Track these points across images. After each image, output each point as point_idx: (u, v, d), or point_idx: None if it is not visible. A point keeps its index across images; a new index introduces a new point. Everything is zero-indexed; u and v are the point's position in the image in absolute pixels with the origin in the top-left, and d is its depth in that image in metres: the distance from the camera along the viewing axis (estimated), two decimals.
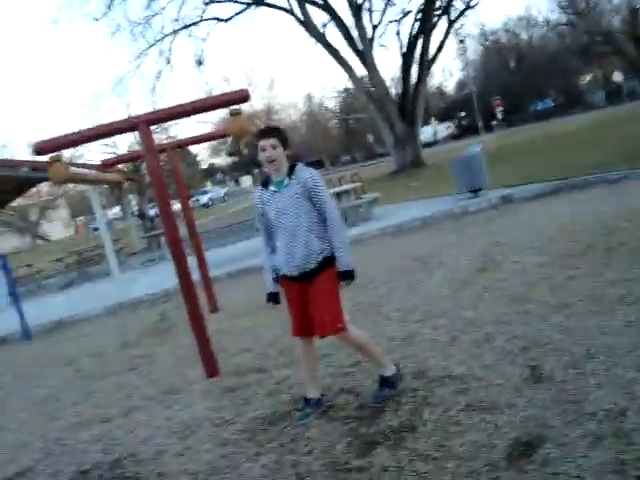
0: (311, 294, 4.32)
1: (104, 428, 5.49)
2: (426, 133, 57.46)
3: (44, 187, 61.66)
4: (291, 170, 4.35)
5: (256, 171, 69.82)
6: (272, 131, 4.36)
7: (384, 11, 31.36)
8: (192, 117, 62.94)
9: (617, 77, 49.75)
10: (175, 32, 30.35)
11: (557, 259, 7.24)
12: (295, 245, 4.29)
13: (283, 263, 4.41)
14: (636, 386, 3.77)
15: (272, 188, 4.40)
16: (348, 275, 4.24)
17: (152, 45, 30.29)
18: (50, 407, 6.69)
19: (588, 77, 67.39)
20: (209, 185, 73.85)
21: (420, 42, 30.38)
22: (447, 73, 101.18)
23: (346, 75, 31.30)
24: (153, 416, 5.46)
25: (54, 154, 6.33)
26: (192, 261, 8.88)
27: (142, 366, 7.37)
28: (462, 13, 31.76)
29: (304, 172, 4.33)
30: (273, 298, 4.61)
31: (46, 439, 5.64)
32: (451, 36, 32.71)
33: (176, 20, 30.23)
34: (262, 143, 4.27)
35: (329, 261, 4.30)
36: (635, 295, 5.35)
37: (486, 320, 5.72)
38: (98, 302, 13.30)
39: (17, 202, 57.95)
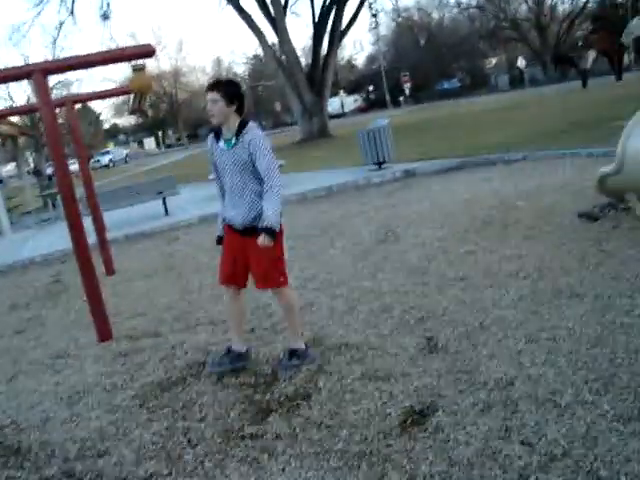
0: (254, 249, 4.18)
1: None
2: (334, 105, 57.75)
3: None
4: (240, 129, 4.18)
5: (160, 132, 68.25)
6: (214, 85, 4.18)
7: None
8: (94, 71, 60.22)
9: (521, 63, 51.34)
10: None
11: (456, 234, 7.40)
12: (240, 204, 4.23)
13: (228, 215, 4.35)
14: (525, 357, 3.90)
15: (221, 144, 4.26)
16: (269, 231, 4.03)
17: None
18: None
19: (494, 60, 69.34)
20: (111, 146, 71.50)
21: (333, 13, 30.25)
22: (358, 46, 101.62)
23: (257, 41, 30.86)
24: (40, 381, 5.21)
25: None
26: (89, 222, 8.57)
27: (31, 329, 7.03)
28: None
29: (249, 134, 4.15)
30: (221, 241, 4.52)
31: None
32: (364, 9, 32.67)
33: None
34: (206, 96, 4.14)
35: None
36: (527, 270, 5.54)
37: (384, 290, 5.78)
38: None
39: None
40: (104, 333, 5.95)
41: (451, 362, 4.03)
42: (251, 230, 4.19)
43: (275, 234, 4.08)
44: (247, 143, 4.13)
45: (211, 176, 4.91)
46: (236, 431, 3.68)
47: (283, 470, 3.21)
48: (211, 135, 4.39)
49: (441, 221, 8.26)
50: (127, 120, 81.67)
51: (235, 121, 4.18)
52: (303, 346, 4.51)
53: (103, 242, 9.24)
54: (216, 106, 4.10)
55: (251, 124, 4.25)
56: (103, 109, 72.65)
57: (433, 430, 3.29)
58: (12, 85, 55.66)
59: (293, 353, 4.45)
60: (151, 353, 5.31)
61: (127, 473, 3.47)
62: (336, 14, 30.14)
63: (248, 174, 4.18)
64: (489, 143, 14.67)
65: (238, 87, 4.28)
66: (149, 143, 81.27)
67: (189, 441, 3.68)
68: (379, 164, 14.04)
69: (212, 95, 4.10)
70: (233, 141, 4.20)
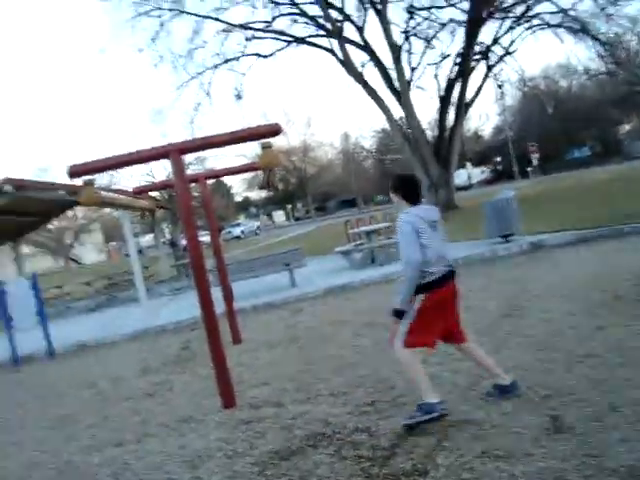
0: None
1: (116, 452, 5.47)
2: (461, 177, 57.45)
3: (80, 212, 62.86)
4: None
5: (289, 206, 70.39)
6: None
7: (423, 53, 31.58)
8: (227, 149, 63.18)
9: None
10: (216, 66, 30.85)
11: (586, 308, 7.11)
12: None
13: None
14: None
15: None
16: (395, 312, 4.66)
17: (193, 78, 30.71)
18: (66, 428, 6.70)
19: (627, 127, 66.89)
20: (242, 218, 74.48)
21: (458, 85, 30.51)
22: (484, 117, 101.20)
23: (383, 115, 31.48)
24: (166, 443, 5.43)
25: (87, 178, 6.45)
26: (218, 292, 8.92)
27: (160, 393, 7.36)
28: (501, 58, 31.84)
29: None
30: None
31: (59, 460, 5.65)
32: (489, 80, 32.66)
33: (217, 54, 30.75)
34: None
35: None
36: None
37: (508, 366, 5.59)
38: (123, 328, 13.38)
39: (53, 224, 59.33)
40: (228, 400, 6.13)
41: (577, 445, 3.84)
42: None
43: (396, 312, 4.65)
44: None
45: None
46: None
47: None
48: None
49: (570, 295, 7.96)
50: (257, 194, 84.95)
51: (405, 207, 4.78)
52: (431, 400, 4.55)
53: (231, 311, 9.57)
54: (392, 196, 4.89)
55: (410, 209, 4.74)
56: (235, 183, 75.85)
57: None
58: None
59: (420, 406, 4.61)
60: (272, 422, 5.40)
61: None
62: (461, 86, 30.34)
63: None
64: (620, 213, 14.07)
65: (398, 179, 4.92)
66: (278, 216, 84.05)
67: None
68: (505, 236, 13.79)
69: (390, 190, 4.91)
70: None
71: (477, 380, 5.40)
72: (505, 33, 30.37)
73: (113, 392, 7.95)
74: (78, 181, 7.07)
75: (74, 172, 6.33)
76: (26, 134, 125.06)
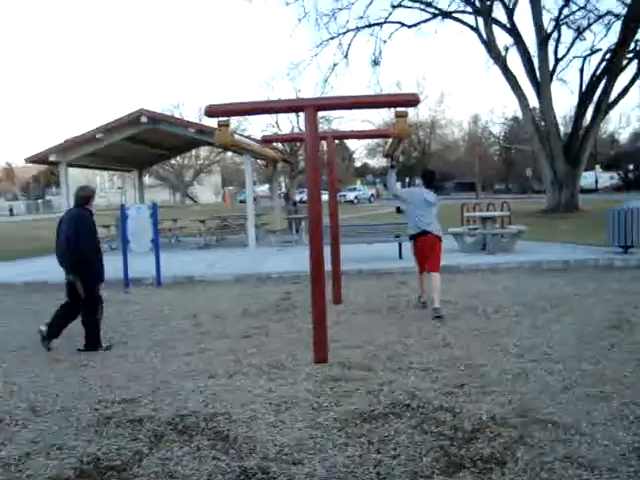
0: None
1: (209, 383, 5.77)
2: (587, 179, 54.96)
3: (203, 152, 64.85)
4: None
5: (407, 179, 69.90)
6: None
7: (572, 44, 30.31)
8: (358, 112, 63.02)
9: None
10: (358, 29, 30.78)
11: None
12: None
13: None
14: None
15: None
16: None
17: (333, 37, 30.83)
18: (165, 352, 7.10)
19: None
20: (358, 183, 74.54)
21: (602, 83, 29.08)
22: (624, 121, 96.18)
23: (517, 103, 30.56)
24: (255, 384, 5.67)
25: (223, 119, 6.67)
26: (326, 251, 9.10)
27: (256, 336, 7.64)
28: None
29: None
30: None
31: (155, 378, 6.02)
32: (638, 82, 30.87)
33: (361, 17, 30.66)
34: None
35: None
36: None
37: (607, 378, 5.47)
38: (230, 269, 13.88)
39: (176, 160, 61.59)
40: (321, 355, 6.30)
41: None
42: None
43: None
44: None
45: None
46: (425, 476, 3.73)
47: None
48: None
49: None
50: (378, 162, 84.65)
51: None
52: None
53: (336, 272, 9.74)
54: None
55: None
56: (357, 148, 75.68)
57: None
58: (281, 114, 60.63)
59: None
60: (360, 384, 5.52)
61: None
62: (606, 85, 28.90)
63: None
64: None
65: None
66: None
67: (378, 474, 3.80)
68: (625, 247, 13.24)
69: None
70: None
71: (571, 384, 5.32)
72: None
73: (212, 327, 8.32)
74: (212, 121, 7.34)
75: (211, 112, 6.57)
76: (162, 70, 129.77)
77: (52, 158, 19.02)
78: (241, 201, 53.56)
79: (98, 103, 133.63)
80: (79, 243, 7.07)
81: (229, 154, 59.78)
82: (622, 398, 4.94)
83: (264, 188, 70.26)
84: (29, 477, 3.98)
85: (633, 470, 3.74)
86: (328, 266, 9.12)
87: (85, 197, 7.45)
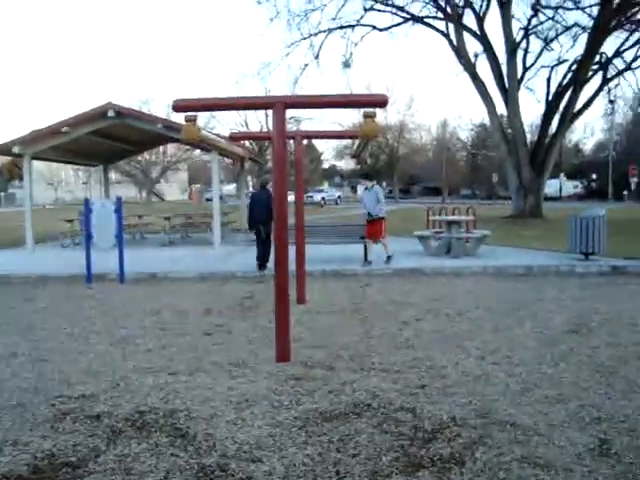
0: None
1: (169, 379, 5.73)
2: (552, 187, 55.76)
3: (170, 149, 64.41)
4: None
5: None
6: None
7: (539, 54, 30.72)
8: (326, 114, 62.99)
9: None
10: (330, 30, 30.79)
11: None
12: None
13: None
14: None
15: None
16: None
17: (305, 38, 30.81)
18: (127, 347, 7.03)
19: None
20: (326, 185, 74.58)
21: (568, 93, 29.53)
22: (588, 131, 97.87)
23: (485, 110, 30.89)
24: (216, 382, 5.64)
25: (190, 114, 6.61)
26: (291, 251, 9.08)
27: (218, 334, 7.59)
28: (620, 73, 30.53)
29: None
30: None
31: (115, 374, 5.95)
32: (602, 94, 31.40)
33: (333, 19, 30.69)
34: None
35: None
36: None
37: (565, 381, 5.55)
38: (194, 266, 13.77)
39: (143, 157, 61.01)
40: (283, 354, 6.28)
41: (622, 472, 3.78)
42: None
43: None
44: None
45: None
46: (384, 475, 3.73)
47: None
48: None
49: None
50: (346, 164, 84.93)
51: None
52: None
53: (301, 272, 9.72)
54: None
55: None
56: (326, 149, 75.95)
57: None
58: (249, 113, 60.50)
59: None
60: (322, 383, 5.52)
61: None
62: (572, 95, 29.35)
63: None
64: None
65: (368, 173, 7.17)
66: (362, 189, 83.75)
67: (337, 472, 3.79)
68: (586, 254, 13.44)
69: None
70: None
71: (530, 386, 5.38)
72: (631, 47, 29.03)
73: (174, 324, 8.25)
74: (180, 116, 7.27)
75: (179, 106, 6.49)
76: (130, 66, 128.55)
77: (16, 150, 18.62)
78: (208, 199, 53.24)
79: (66, 96, 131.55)
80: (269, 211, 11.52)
81: (197, 152, 59.40)
82: (579, 400, 5.02)
83: (231, 187, 70.03)
84: None
85: (588, 470, 3.79)
86: (292, 266, 9.13)
87: (268, 181, 13.38)
